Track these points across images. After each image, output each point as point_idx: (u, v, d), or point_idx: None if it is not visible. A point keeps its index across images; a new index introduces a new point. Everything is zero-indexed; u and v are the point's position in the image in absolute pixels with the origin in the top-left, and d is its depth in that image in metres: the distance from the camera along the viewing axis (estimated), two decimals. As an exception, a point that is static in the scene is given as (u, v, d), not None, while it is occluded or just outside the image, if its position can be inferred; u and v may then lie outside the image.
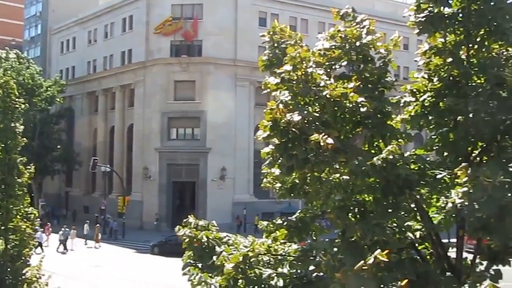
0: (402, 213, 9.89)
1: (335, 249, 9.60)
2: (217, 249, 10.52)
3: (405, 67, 58.33)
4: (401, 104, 10.72)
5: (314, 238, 11.37)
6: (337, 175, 10.14)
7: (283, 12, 64.05)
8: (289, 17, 63.67)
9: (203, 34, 63.38)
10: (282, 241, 11.05)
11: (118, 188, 68.01)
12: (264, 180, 11.29)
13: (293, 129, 8.99)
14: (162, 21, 63.84)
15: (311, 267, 9.96)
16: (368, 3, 64.74)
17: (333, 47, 10.61)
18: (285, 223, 11.09)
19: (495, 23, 9.84)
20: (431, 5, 10.24)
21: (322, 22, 61.07)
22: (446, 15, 10.15)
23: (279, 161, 9.54)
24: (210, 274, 10.09)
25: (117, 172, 67.11)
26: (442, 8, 10.24)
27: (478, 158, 10.60)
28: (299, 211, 11.54)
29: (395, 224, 9.82)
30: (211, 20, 62.73)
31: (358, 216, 10.20)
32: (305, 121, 9.05)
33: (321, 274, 9.85)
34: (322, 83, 9.39)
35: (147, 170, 64.91)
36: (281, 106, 9.18)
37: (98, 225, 58.45)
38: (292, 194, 10.98)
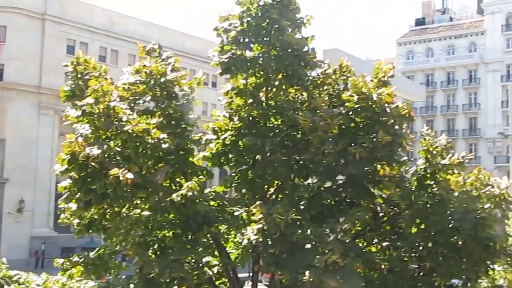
0: (201, 249, 10.03)
1: (132, 286, 9.45)
2: (6, 288, 9.86)
3: (212, 104, 59.82)
4: (203, 142, 10.93)
5: (113, 275, 11.09)
6: (138, 210, 10.05)
7: (93, 41, 62.61)
8: (99, 47, 62.37)
9: (5, 58, 59.91)
10: (78, 278, 10.64)
11: None
12: (62, 215, 10.81)
13: (92, 163, 8.75)
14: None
15: (107, 305, 9.70)
16: (179, 39, 65.56)
17: (138, 82, 10.58)
18: (82, 260, 10.70)
19: (291, 69, 10.46)
20: (234, 48, 10.65)
21: (133, 54, 60.64)
22: (248, 58, 10.60)
23: (77, 195, 9.21)
24: (-4, 316, 9.42)
25: None
26: (244, 51, 10.68)
27: (274, 196, 11.12)
28: (98, 247, 11.22)
29: (193, 260, 9.93)
30: (15, 43, 59.42)
31: (158, 252, 10.17)
32: (106, 155, 8.87)
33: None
34: (125, 118, 9.30)
35: None
36: (80, 139, 8.91)
37: None
38: (90, 230, 10.62)
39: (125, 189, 8.75)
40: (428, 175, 10.00)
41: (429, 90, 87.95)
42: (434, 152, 10.06)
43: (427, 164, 10.03)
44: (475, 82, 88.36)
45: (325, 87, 11.29)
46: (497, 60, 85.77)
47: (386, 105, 9.87)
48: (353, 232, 9.67)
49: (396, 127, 9.96)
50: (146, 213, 9.99)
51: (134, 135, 9.13)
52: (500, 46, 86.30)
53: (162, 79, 10.59)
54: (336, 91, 11.29)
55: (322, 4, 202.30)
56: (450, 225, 9.42)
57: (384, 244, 10.80)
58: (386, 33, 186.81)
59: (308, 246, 9.05)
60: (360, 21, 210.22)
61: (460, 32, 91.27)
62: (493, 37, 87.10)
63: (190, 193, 9.06)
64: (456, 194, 9.48)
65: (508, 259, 9.99)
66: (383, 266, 10.38)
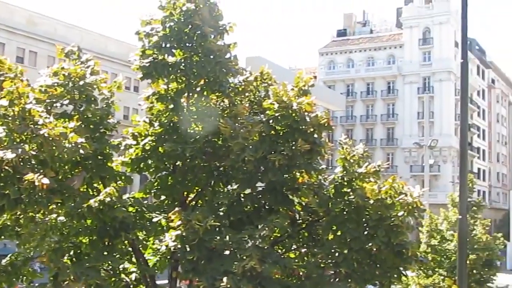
0: (118, 255, 9.88)
1: (46, 294, 9.20)
2: None
3: (134, 109, 59.05)
4: (122, 147, 10.78)
5: (26, 282, 10.75)
6: (54, 216, 9.80)
7: (10, 42, 60.57)
8: (17, 47, 60.47)
9: None
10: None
11: None
12: (-28, 221, 10.39)
13: (6, 167, 8.45)
14: None
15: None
16: (101, 42, 64.41)
17: (56, 84, 10.32)
18: (-8, 267, 10.32)
19: (213, 75, 10.48)
20: (155, 52, 10.58)
21: (53, 56, 59.09)
22: (169, 64, 10.56)
23: (-11, 201, 8.86)
24: None
25: None
26: (166, 56, 10.63)
27: (194, 202, 11.10)
28: (10, 254, 10.85)
29: (110, 267, 9.77)
30: None
31: (74, 259, 9.95)
32: (20, 159, 8.58)
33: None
34: (41, 121, 9.03)
35: None
36: (-7, 142, 8.59)
37: None
38: (2, 236, 10.27)
39: (40, 194, 8.50)
40: (345, 183, 10.23)
41: (349, 100, 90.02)
42: (351, 160, 10.30)
43: (345, 172, 10.25)
44: (393, 93, 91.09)
45: (247, 94, 11.39)
46: (414, 73, 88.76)
47: (306, 114, 10.03)
48: (271, 238, 9.76)
49: (315, 135, 10.14)
50: (62, 218, 9.76)
51: (51, 139, 8.84)
52: (417, 59, 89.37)
53: (81, 82, 10.36)
54: (257, 99, 11.41)
55: (248, 12, 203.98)
56: (365, 232, 9.67)
57: (302, 250, 10.97)
58: (309, 43, 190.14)
59: (227, 252, 9.09)
60: (285, 30, 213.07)
61: (379, 44, 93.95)
62: (410, 50, 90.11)
63: (108, 199, 8.91)
64: (371, 202, 9.74)
65: (420, 265, 10.31)
66: (301, 273, 10.52)
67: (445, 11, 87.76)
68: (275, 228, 9.65)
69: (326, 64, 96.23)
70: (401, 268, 10.04)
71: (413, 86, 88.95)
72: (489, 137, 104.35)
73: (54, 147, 8.98)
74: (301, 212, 10.68)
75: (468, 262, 22.64)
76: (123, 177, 10.66)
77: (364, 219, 9.76)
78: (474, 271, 29.21)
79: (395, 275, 10.00)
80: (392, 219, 9.56)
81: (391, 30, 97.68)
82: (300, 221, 10.79)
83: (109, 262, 9.63)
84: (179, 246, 8.75)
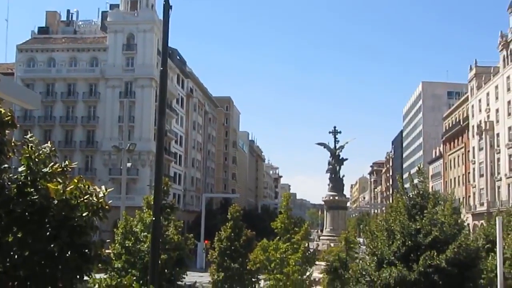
0: None
1: None
2: None
3: None
4: None
5: None
6: None
7: None
8: None
9: None
10: None
11: None
12: None
13: None
14: None
15: None
16: None
17: None
18: None
19: None
20: None
21: None
22: None
23: None
24: None
25: None
26: None
27: None
28: None
29: None
30: None
31: None
32: None
33: None
34: None
35: None
36: None
37: None
38: None
39: None
40: (29, 183, 9.87)
41: (49, 100, 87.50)
42: (37, 160, 9.98)
43: (28, 171, 9.89)
44: (95, 96, 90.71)
45: None
46: (116, 77, 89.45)
47: (-12, 110, 9.45)
48: None
49: (-2, 133, 9.60)
50: None
51: None
52: (120, 63, 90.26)
53: None
54: None
55: None
56: (48, 233, 9.44)
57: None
58: (10, 38, 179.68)
59: None
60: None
61: (83, 46, 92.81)
62: (114, 54, 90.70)
63: None
64: (55, 202, 9.55)
65: (105, 265, 10.40)
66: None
67: (149, 19, 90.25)
68: None
69: (26, 62, 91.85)
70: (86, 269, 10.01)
71: (115, 90, 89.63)
72: (186, 143, 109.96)
73: None
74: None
75: (160, 262, 23.55)
76: None
77: (47, 220, 9.52)
78: (166, 270, 30.50)
79: (78, 276, 9.93)
80: (76, 219, 9.49)
81: (96, 32, 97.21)
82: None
83: None
84: None
